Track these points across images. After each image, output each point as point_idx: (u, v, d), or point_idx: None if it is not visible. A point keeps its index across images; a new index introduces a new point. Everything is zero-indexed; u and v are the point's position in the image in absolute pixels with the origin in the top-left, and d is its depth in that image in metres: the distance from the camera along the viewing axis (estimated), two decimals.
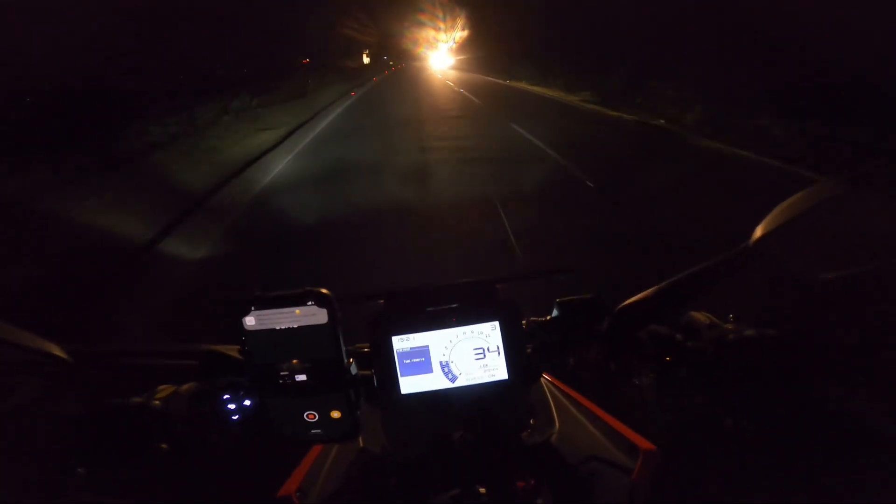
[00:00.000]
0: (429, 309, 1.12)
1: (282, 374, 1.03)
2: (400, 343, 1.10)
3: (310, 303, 0.99)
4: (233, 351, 1.12)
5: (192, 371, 1.12)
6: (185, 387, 1.09)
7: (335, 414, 1.05)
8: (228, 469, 1.10)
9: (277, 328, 1.00)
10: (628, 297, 1.08)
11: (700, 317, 1.08)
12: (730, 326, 1.04)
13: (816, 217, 0.87)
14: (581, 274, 1.15)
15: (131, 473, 1.04)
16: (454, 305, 1.12)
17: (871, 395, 0.94)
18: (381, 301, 1.16)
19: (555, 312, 1.18)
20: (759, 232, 0.88)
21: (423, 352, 1.11)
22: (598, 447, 1.17)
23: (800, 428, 1.10)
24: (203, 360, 1.14)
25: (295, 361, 1.02)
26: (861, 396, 0.96)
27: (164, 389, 1.09)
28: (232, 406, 1.09)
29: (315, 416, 1.05)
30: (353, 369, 1.07)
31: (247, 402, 1.09)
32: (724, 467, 1.15)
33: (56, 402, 1.01)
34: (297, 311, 0.99)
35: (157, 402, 1.06)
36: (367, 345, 1.13)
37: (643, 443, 1.14)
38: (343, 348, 1.03)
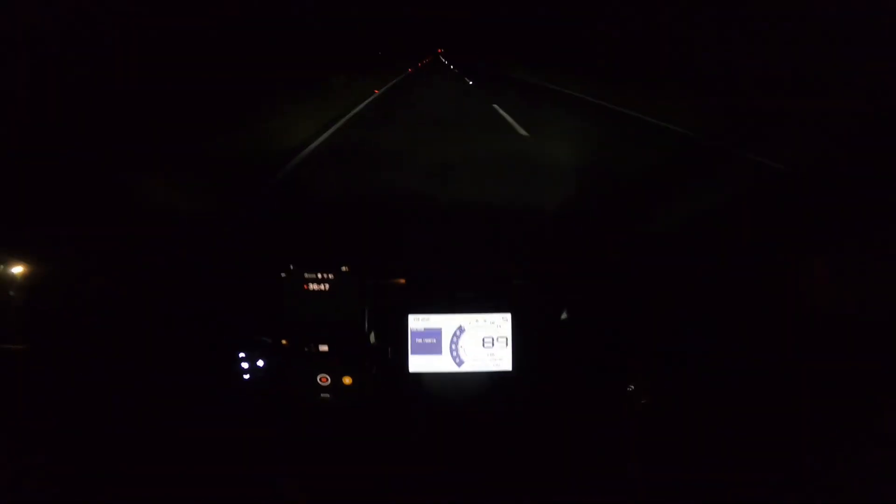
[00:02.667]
0: (447, 293, 1.16)
1: (308, 343, 1.07)
2: (415, 322, 1.13)
3: (343, 268, 1.06)
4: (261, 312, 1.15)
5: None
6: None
7: (347, 380, 1.08)
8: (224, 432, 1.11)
9: (310, 288, 1.06)
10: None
11: None
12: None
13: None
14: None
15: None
16: (471, 292, 1.17)
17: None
18: (403, 280, 1.20)
19: (564, 315, 1.20)
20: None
21: (436, 333, 1.13)
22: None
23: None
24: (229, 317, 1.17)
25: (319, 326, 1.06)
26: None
27: None
28: (245, 365, 1.12)
29: (327, 380, 1.08)
30: (372, 338, 1.12)
31: (259, 363, 1.12)
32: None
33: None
34: (331, 275, 1.06)
35: None
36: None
37: None
38: (366, 317, 1.09)
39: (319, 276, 1.06)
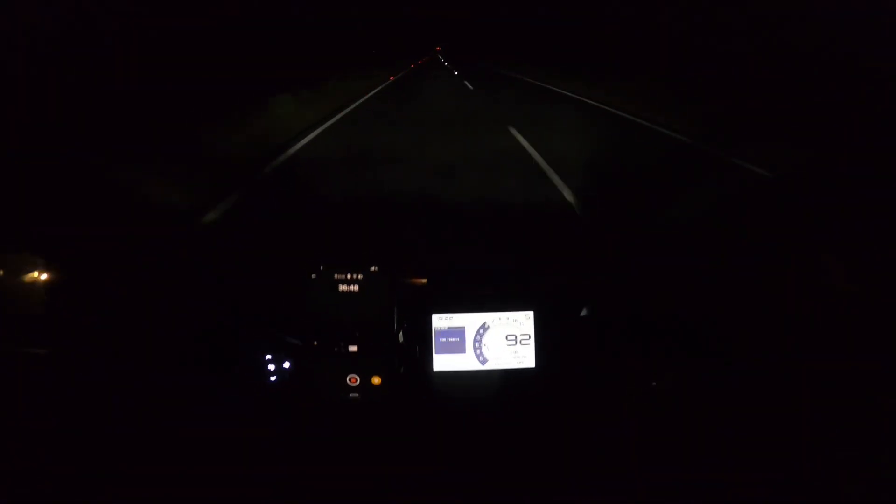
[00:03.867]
0: (469, 292, 1.17)
1: (338, 344, 1.08)
2: (439, 322, 1.14)
3: (373, 269, 1.07)
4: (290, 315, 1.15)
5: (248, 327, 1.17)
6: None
7: (376, 380, 1.09)
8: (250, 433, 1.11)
9: (340, 289, 1.07)
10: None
11: None
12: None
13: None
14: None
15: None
16: (494, 291, 1.18)
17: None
18: (425, 280, 1.21)
19: (584, 312, 1.21)
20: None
21: (460, 332, 1.14)
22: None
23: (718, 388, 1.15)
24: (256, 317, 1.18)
25: (348, 325, 1.06)
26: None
27: None
28: (272, 367, 1.12)
29: (357, 381, 1.09)
30: (401, 338, 1.12)
31: (286, 365, 1.12)
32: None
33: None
34: (360, 275, 1.07)
35: None
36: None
37: None
38: (395, 317, 1.10)
39: (349, 276, 1.06)
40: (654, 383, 1.17)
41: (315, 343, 1.07)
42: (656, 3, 14.26)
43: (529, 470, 1.10)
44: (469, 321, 1.14)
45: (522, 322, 1.14)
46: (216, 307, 1.19)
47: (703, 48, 10.96)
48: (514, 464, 1.10)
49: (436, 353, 1.14)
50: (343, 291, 1.06)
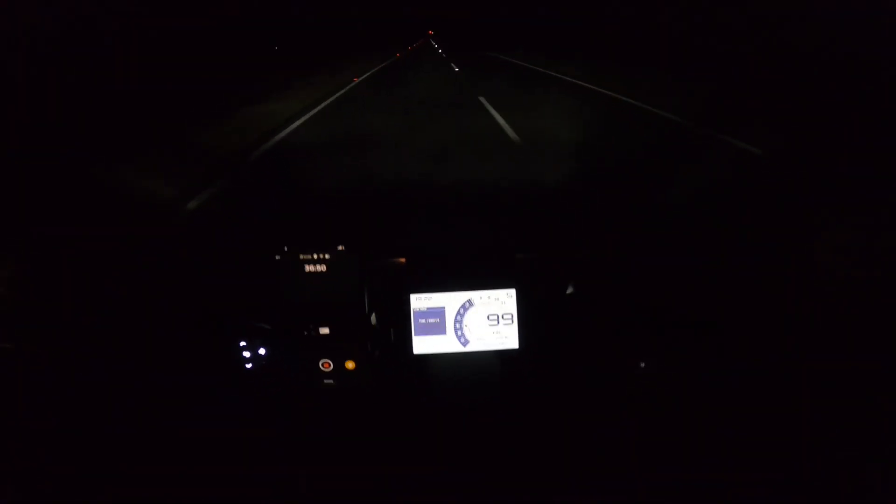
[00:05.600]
0: (448, 269, 1.14)
1: (307, 326, 1.06)
2: (417, 302, 1.11)
3: (340, 248, 1.04)
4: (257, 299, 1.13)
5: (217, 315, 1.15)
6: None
7: (350, 365, 1.07)
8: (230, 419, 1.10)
9: (307, 270, 1.04)
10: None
11: None
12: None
13: None
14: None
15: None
16: (474, 267, 1.15)
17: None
18: (403, 259, 1.18)
19: (570, 290, 1.19)
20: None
21: (439, 313, 1.11)
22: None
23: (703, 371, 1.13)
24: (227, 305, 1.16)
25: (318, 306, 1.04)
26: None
27: None
28: (247, 354, 1.11)
29: (330, 366, 1.07)
30: (373, 319, 1.10)
31: (261, 351, 1.11)
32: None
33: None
34: (327, 255, 1.04)
35: None
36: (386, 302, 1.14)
37: None
38: (366, 298, 1.07)
39: (315, 256, 1.03)
40: (642, 365, 1.14)
41: (284, 326, 1.05)
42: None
43: (517, 458, 1.09)
44: (449, 301, 1.10)
45: (504, 301, 1.11)
46: (193, 297, 1.17)
47: (698, 37, 10.95)
48: (500, 454, 1.09)
49: (415, 334, 1.10)
50: (310, 272, 1.04)
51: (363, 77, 12.70)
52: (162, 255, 1.42)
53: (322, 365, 1.06)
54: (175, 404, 1.13)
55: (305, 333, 1.05)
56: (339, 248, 1.03)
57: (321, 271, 1.04)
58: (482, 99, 8.13)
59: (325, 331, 1.05)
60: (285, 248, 1.04)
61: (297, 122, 6.59)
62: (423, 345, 1.11)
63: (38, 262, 1.22)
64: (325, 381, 1.07)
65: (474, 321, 1.11)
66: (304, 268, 1.04)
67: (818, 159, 3.65)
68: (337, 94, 9.45)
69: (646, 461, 1.09)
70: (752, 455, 1.09)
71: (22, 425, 1.09)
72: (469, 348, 1.11)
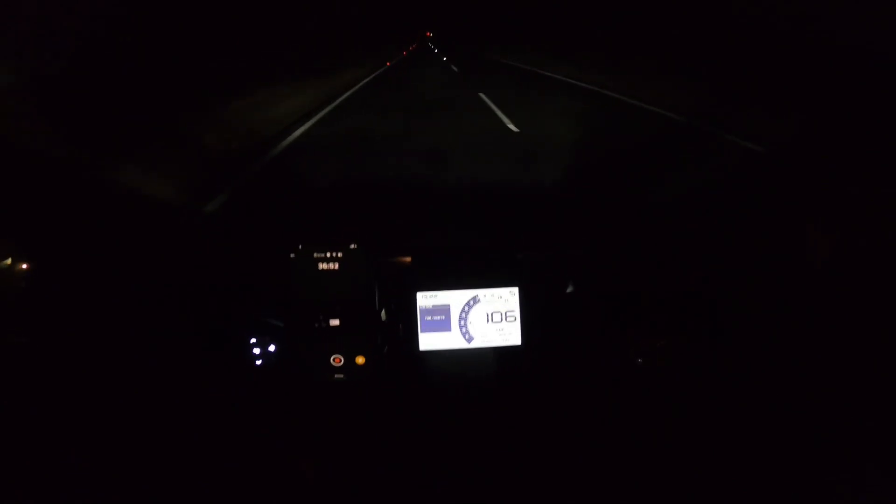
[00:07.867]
0: (453, 269, 1.16)
1: (318, 319, 1.08)
2: (423, 300, 1.14)
3: (352, 246, 1.07)
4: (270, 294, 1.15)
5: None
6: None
7: (360, 360, 1.09)
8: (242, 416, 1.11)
9: (320, 267, 1.07)
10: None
11: None
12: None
13: None
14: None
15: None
16: (477, 267, 1.17)
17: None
18: (408, 259, 1.20)
19: (570, 288, 1.21)
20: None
21: (444, 310, 1.14)
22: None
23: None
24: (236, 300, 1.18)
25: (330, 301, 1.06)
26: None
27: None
28: (257, 351, 1.12)
29: (341, 360, 1.09)
30: (383, 315, 1.12)
31: (271, 348, 1.12)
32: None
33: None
34: (340, 253, 1.06)
35: None
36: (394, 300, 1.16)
37: None
38: (376, 294, 1.10)
39: (329, 254, 1.06)
40: (639, 360, 1.16)
41: (296, 321, 1.07)
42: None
43: (518, 453, 1.10)
44: (454, 298, 1.13)
45: (508, 299, 1.14)
46: (205, 294, 1.19)
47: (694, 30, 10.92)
48: (502, 448, 1.10)
49: (421, 331, 1.13)
50: (323, 270, 1.06)
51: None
52: (176, 251, 1.43)
53: (333, 360, 1.08)
54: (175, 404, 1.14)
55: (317, 325, 1.07)
56: (352, 246, 1.06)
57: (334, 269, 1.06)
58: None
59: (335, 322, 1.07)
60: (300, 247, 1.06)
61: None
62: (429, 341, 1.14)
63: (54, 258, 1.22)
64: (336, 375, 1.09)
65: (478, 318, 1.14)
66: (317, 266, 1.06)
67: (819, 156, 3.64)
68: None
69: (645, 459, 1.10)
70: (752, 455, 1.09)
71: (22, 425, 1.09)
72: (473, 345, 1.14)
